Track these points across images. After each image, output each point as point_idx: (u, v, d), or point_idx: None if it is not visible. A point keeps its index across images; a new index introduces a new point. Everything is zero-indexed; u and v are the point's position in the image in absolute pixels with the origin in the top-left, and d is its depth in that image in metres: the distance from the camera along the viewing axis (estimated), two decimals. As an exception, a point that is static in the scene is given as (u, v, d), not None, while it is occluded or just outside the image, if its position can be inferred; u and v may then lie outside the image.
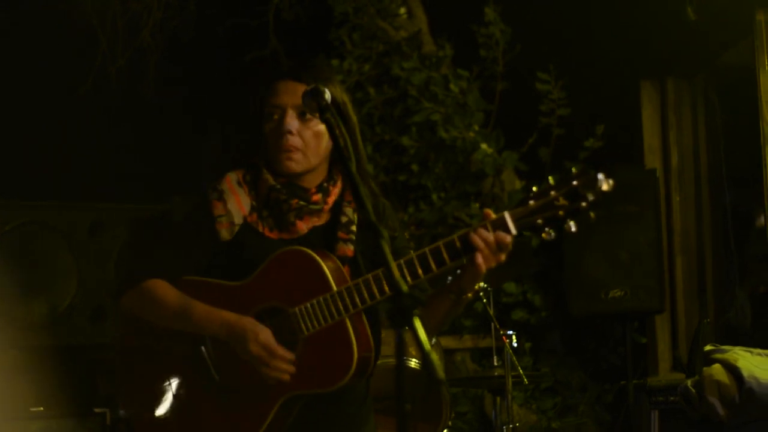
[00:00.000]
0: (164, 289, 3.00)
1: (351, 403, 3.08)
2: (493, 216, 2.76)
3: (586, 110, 6.61)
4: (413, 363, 4.62)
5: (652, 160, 6.54)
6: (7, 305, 4.91)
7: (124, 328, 3.14)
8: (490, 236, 2.75)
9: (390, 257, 2.44)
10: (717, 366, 4.79)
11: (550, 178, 2.72)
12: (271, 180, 2.99)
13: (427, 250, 2.80)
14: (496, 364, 5.06)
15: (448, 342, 6.40)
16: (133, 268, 3.07)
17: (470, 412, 6.40)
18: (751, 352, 4.84)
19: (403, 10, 7.07)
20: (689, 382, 4.85)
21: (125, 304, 3.06)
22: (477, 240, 2.75)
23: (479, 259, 2.75)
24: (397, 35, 6.95)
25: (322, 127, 2.97)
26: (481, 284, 4.87)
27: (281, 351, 2.87)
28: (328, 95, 2.83)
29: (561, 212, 2.68)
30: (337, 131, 2.77)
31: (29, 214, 5.45)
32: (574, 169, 2.70)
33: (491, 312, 4.93)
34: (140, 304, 3.02)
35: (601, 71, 6.45)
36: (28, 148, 6.37)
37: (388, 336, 4.63)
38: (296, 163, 2.98)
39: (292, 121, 2.96)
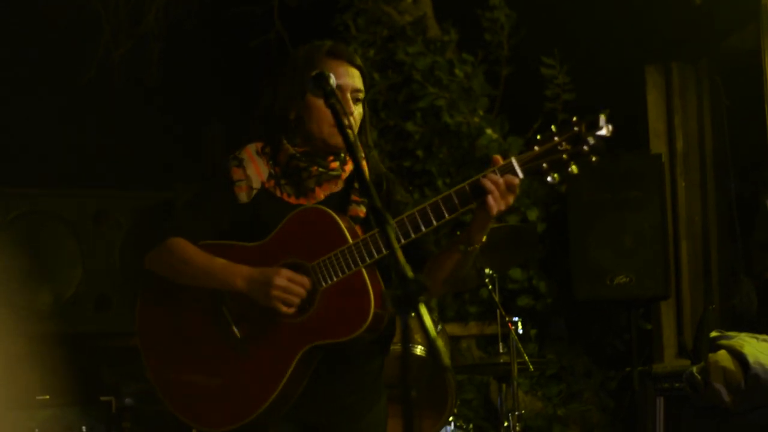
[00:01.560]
0: (186, 247, 3.13)
1: (366, 374, 3.20)
2: (501, 161, 2.91)
3: (591, 95, 6.58)
4: (419, 350, 4.61)
5: (658, 145, 6.52)
6: (12, 293, 4.91)
7: (145, 293, 3.25)
8: (499, 179, 2.89)
9: (395, 243, 2.48)
10: (722, 352, 4.78)
11: (552, 126, 2.87)
12: (291, 149, 3.15)
13: (438, 198, 2.94)
14: (501, 350, 5.05)
15: (453, 329, 6.38)
16: (157, 231, 3.20)
17: (476, 399, 6.39)
18: (756, 339, 4.83)
19: (407, -6, 7.04)
20: (695, 369, 4.84)
21: (148, 262, 3.18)
22: (487, 183, 2.89)
23: (491, 200, 2.88)
24: (402, 20, 6.92)
25: (361, 110, 3.20)
26: (488, 270, 4.86)
27: (305, 279, 3.00)
28: (333, 81, 2.99)
29: (564, 156, 2.84)
30: (343, 118, 2.91)
31: (34, 202, 5.45)
32: (575, 117, 2.85)
33: (497, 299, 4.92)
34: (163, 261, 3.14)
35: (606, 56, 6.42)
36: (33, 136, 6.36)
37: (393, 323, 4.63)
38: None
39: (353, 105, 3.16)
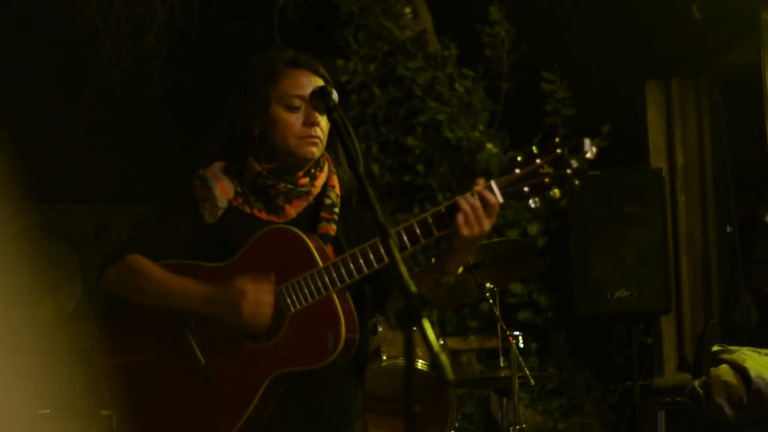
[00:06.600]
0: (146, 264, 2.98)
1: (338, 401, 3.05)
2: (483, 185, 2.79)
3: (591, 110, 6.59)
4: (420, 364, 4.61)
5: (658, 160, 6.54)
6: (13, 308, 4.92)
7: (105, 316, 3.11)
8: (476, 201, 2.77)
9: (398, 257, 2.42)
10: (724, 366, 4.78)
11: (534, 147, 2.74)
12: (257, 167, 3.01)
13: (414, 220, 2.81)
14: (502, 365, 5.04)
15: (454, 343, 6.39)
16: (115, 248, 3.06)
17: (476, 413, 6.38)
18: (758, 353, 4.83)
19: (408, 10, 7.06)
20: (696, 383, 4.83)
21: (106, 280, 3.03)
22: (462, 202, 2.77)
23: (460, 220, 2.75)
24: (402, 35, 6.94)
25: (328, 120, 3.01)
26: (488, 284, 4.86)
27: (270, 280, 2.87)
28: (335, 96, 2.90)
29: (546, 179, 2.71)
30: (344, 132, 2.82)
31: (35, 217, 5.46)
32: (557, 138, 2.73)
33: (497, 313, 4.92)
34: (122, 279, 3.00)
35: (606, 71, 6.45)
36: (33, 151, 6.36)
37: (395, 337, 4.63)
38: (318, 149, 3.00)
39: (318, 115, 2.98)
